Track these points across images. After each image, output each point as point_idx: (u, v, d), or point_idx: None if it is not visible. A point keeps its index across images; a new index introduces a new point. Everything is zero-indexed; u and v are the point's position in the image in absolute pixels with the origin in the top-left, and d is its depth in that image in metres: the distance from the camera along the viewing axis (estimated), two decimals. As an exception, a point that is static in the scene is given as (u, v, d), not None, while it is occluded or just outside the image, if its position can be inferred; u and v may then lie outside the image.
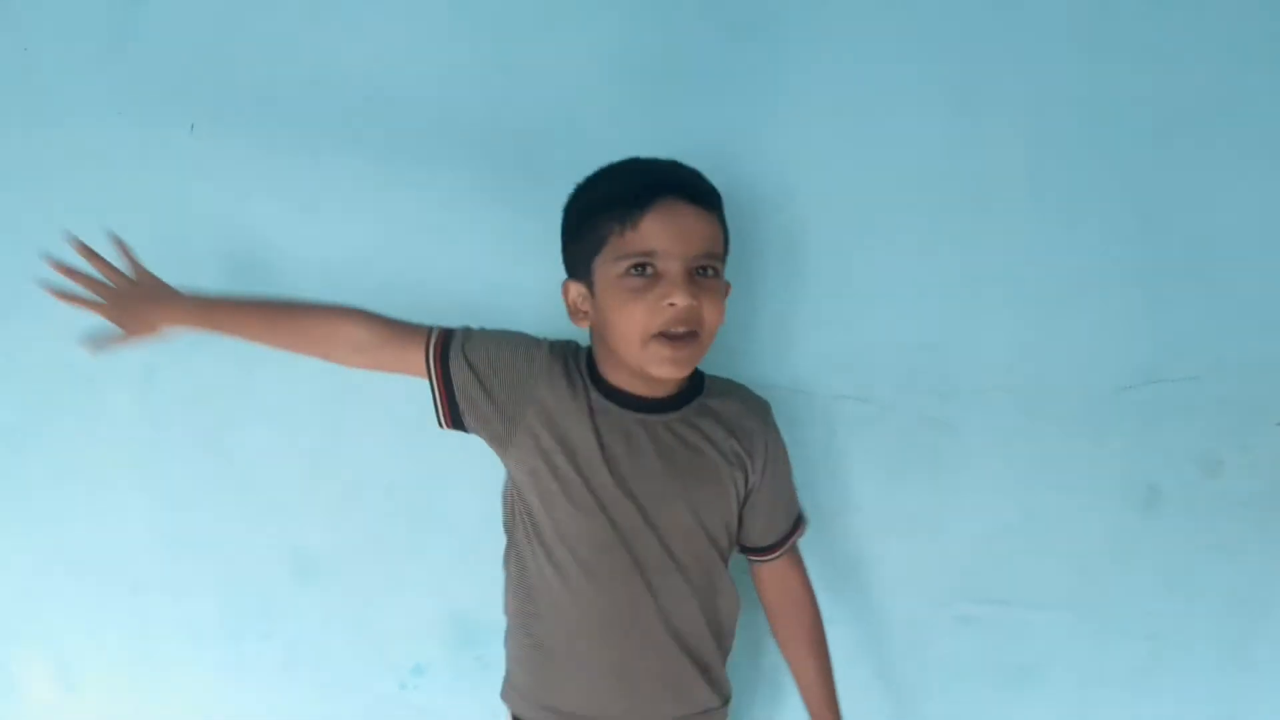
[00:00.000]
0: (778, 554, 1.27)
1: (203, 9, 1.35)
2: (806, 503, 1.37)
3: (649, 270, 1.08)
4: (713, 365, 1.32)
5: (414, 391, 1.39)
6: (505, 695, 1.27)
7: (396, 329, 1.18)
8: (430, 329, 1.18)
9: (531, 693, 1.22)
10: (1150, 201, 1.31)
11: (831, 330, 1.38)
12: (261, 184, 1.38)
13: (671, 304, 1.06)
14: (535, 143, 1.34)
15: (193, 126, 1.36)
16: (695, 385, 1.21)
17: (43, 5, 1.36)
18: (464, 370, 1.15)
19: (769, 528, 1.25)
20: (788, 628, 1.30)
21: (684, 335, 1.08)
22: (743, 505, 1.23)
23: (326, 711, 1.54)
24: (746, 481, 1.21)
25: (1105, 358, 1.37)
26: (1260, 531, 1.42)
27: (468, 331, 1.19)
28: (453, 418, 1.18)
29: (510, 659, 1.27)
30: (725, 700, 1.26)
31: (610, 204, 1.09)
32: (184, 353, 1.43)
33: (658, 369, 1.10)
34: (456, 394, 1.16)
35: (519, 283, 1.34)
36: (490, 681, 1.30)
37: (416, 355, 1.17)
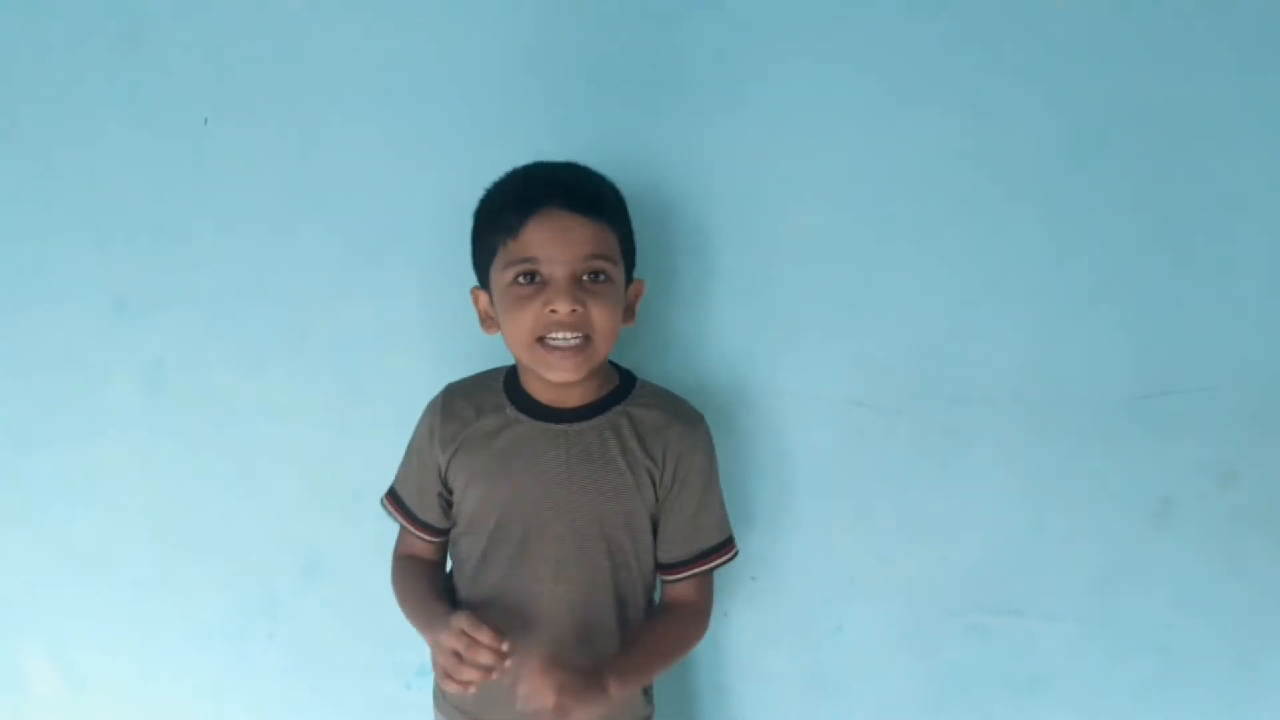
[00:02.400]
0: (674, 578, 1.22)
1: (215, 4, 1.35)
2: (818, 509, 1.37)
3: (536, 278, 1.09)
4: (720, 370, 1.31)
5: (421, 393, 1.40)
6: (434, 695, 1.30)
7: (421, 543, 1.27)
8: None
9: (447, 696, 1.24)
10: (1166, 210, 1.30)
11: (842, 336, 1.37)
12: (274, 180, 1.37)
13: (553, 310, 1.07)
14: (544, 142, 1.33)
15: (206, 121, 1.36)
16: (619, 391, 1.20)
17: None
18: (400, 491, 1.26)
19: (669, 544, 1.21)
20: (660, 610, 1.24)
21: (573, 342, 1.09)
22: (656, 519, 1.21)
23: (331, 711, 1.54)
24: (656, 495, 1.18)
25: (1118, 367, 1.35)
26: (1273, 545, 1.41)
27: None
28: (424, 525, 1.25)
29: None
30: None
31: (497, 213, 1.12)
32: (192, 350, 1.43)
33: (547, 373, 1.12)
34: (412, 509, 1.24)
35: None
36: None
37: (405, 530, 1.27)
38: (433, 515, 1.23)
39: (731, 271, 1.35)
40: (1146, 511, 1.40)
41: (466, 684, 1.03)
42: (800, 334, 1.37)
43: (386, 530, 1.45)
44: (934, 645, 1.46)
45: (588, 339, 1.10)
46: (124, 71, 1.36)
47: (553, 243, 1.08)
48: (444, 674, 1.04)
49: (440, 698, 1.28)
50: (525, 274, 1.09)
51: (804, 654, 1.48)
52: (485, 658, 1.02)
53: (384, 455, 1.42)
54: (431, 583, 1.23)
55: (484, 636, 1.02)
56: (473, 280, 1.35)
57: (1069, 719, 1.48)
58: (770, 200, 1.33)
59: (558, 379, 1.12)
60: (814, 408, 1.37)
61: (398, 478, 1.27)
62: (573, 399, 1.17)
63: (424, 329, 1.40)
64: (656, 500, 1.19)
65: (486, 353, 1.33)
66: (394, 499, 1.27)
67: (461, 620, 1.04)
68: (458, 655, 1.02)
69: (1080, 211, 1.31)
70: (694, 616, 1.23)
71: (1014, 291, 1.34)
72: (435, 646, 1.08)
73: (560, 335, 1.09)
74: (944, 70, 1.28)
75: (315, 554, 1.49)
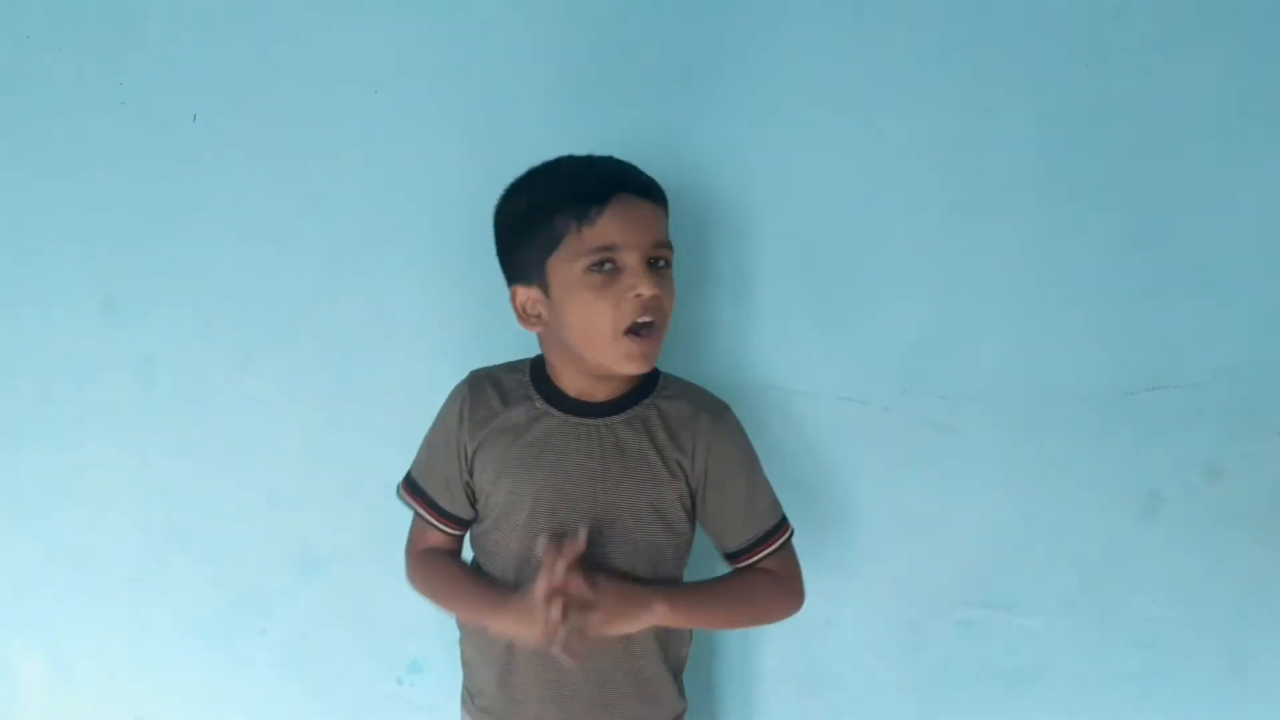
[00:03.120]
0: (749, 562, 1.22)
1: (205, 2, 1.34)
2: (808, 505, 1.37)
3: (608, 266, 1.08)
4: (712, 366, 1.31)
5: (413, 389, 1.40)
6: (462, 697, 1.29)
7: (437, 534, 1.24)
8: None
9: (475, 696, 1.24)
10: (1158, 206, 1.30)
11: (834, 331, 1.37)
12: (263, 177, 1.37)
13: (638, 294, 1.07)
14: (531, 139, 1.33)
15: (195, 117, 1.36)
16: (646, 384, 1.20)
17: (46, -4, 1.36)
18: (421, 481, 1.23)
19: (727, 533, 1.21)
20: (737, 571, 1.24)
21: (650, 328, 1.09)
22: (694, 510, 1.21)
23: (323, 707, 1.54)
24: (689, 486, 1.19)
25: (1108, 363, 1.36)
26: (1261, 540, 1.41)
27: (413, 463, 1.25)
28: (449, 516, 1.22)
29: (463, 662, 1.28)
30: (676, 717, 1.26)
31: (565, 202, 1.08)
32: (182, 348, 1.43)
33: (626, 366, 1.10)
34: (438, 500, 1.21)
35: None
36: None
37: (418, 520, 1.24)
38: (460, 507, 1.21)
39: (721, 268, 1.35)
40: (1135, 506, 1.40)
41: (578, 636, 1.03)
42: (790, 330, 1.37)
43: (379, 526, 1.45)
44: (924, 640, 1.46)
45: (658, 326, 1.10)
46: (112, 68, 1.36)
47: (630, 229, 1.07)
48: (554, 632, 1.02)
49: (469, 699, 1.26)
50: (600, 262, 1.07)
51: (794, 649, 1.48)
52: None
53: (376, 451, 1.43)
54: (470, 570, 1.22)
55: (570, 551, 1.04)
56: (462, 273, 1.35)
57: (1059, 713, 1.48)
58: (759, 197, 1.34)
59: (632, 370, 1.11)
60: (804, 403, 1.38)
61: (417, 469, 1.24)
62: (601, 393, 1.17)
63: (416, 324, 1.40)
64: (689, 491, 1.19)
65: (479, 347, 1.33)
66: (415, 491, 1.23)
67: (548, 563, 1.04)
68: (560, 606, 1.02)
69: (1069, 208, 1.31)
70: (774, 582, 1.22)
71: (1004, 288, 1.34)
72: (524, 615, 1.04)
73: (642, 319, 1.08)
74: (934, 69, 1.28)
75: (307, 550, 1.49)
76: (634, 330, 1.08)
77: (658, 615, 1.11)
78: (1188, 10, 1.25)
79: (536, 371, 1.20)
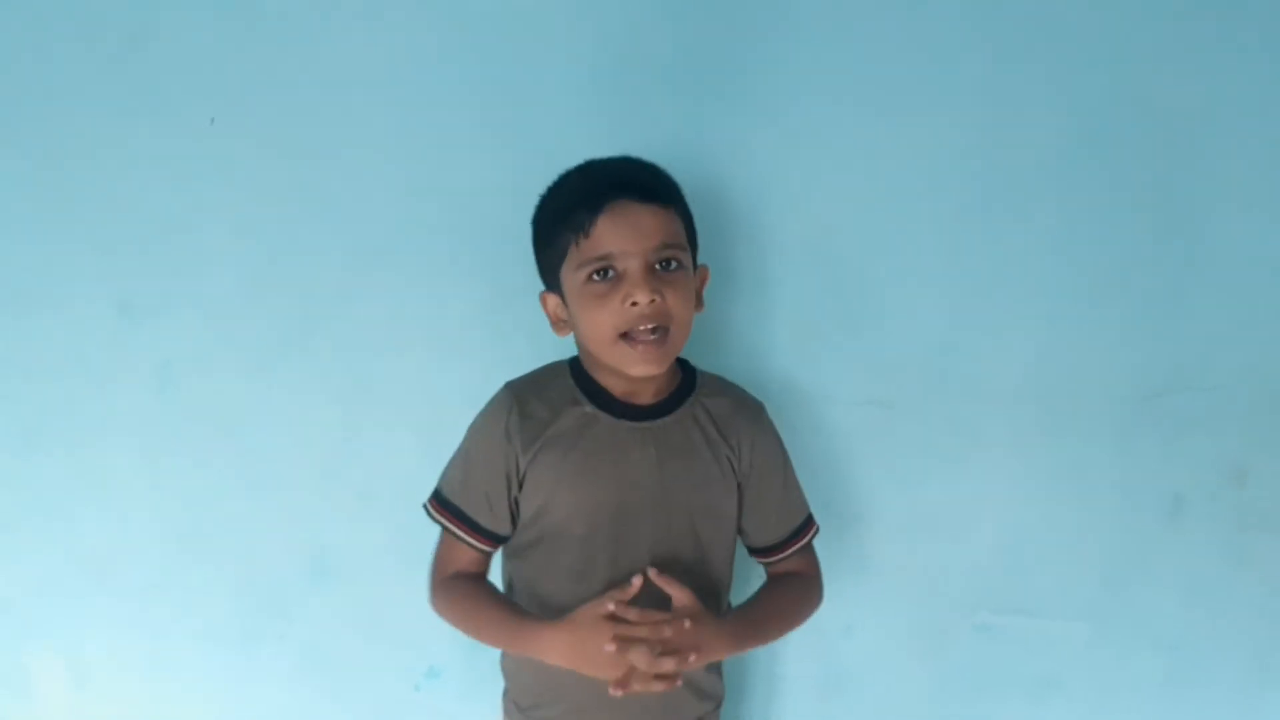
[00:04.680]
0: (778, 558, 1.25)
1: (221, 3, 1.34)
2: (828, 506, 1.36)
3: (610, 273, 1.08)
4: (733, 367, 1.31)
5: (431, 395, 1.40)
6: (504, 707, 1.28)
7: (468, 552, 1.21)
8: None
9: (523, 699, 1.23)
10: (1182, 206, 1.30)
11: (855, 333, 1.36)
12: (281, 180, 1.37)
13: (634, 303, 1.06)
14: (548, 140, 1.33)
15: (212, 120, 1.35)
16: (688, 384, 1.20)
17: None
18: (454, 498, 1.19)
19: (761, 529, 1.23)
20: (777, 579, 1.26)
21: (653, 334, 1.08)
22: (740, 506, 1.21)
23: (339, 713, 1.53)
24: (738, 481, 1.20)
25: (1131, 365, 1.35)
26: (1284, 543, 1.41)
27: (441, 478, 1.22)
28: (486, 533, 1.18)
29: (505, 673, 1.28)
30: (716, 704, 1.26)
31: (563, 214, 1.11)
32: (199, 352, 1.42)
33: (631, 368, 1.10)
34: (475, 518, 1.18)
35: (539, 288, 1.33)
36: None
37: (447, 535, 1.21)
38: (500, 524, 1.18)
39: (740, 269, 1.35)
40: (1159, 510, 1.40)
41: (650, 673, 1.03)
42: (813, 331, 1.37)
43: (397, 532, 1.45)
44: (944, 645, 1.46)
45: (665, 330, 1.09)
46: (129, 71, 1.35)
47: (625, 236, 1.07)
48: (619, 670, 1.03)
49: (516, 712, 1.24)
50: (599, 270, 1.08)
51: (814, 654, 1.48)
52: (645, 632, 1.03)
53: (393, 456, 1.43)
54: (504, 597, 1.20)
55: (634, 615, 1.04)
56: (481, 279, 1.35)
57: (1079, 718, 1.47)
58: (781, 197, 1.33)
59: (640, 373, 1.11)
60: (826, 405, 1.38)
61: (449, 485, 1.20)
62: (649, 393, 1.17)
63: (434, 330, 1.39)
64: (739, 486, 1.20)
65: (498, 353, 1.33)
66: (446, 508, 1.19)
67: (605, 609, 1.04)
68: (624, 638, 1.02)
69: (1093, 209, 1.31)
70: (807, 584, 1.25)
71: (1026, 289, 1.34)
72: (594, 661, 1.05)
73: (643, 327, 1.08)
74: (957, 68, 1.28)
75: (324, 556, 1.49)
76: (630, 336, 1.08)
77: (721, 651, 1.11)
78: (1212, 8, 1.25)
79: (579, 375, 1.18)
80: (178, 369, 1.43)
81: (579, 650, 1.06)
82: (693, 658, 1.05)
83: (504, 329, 1.37)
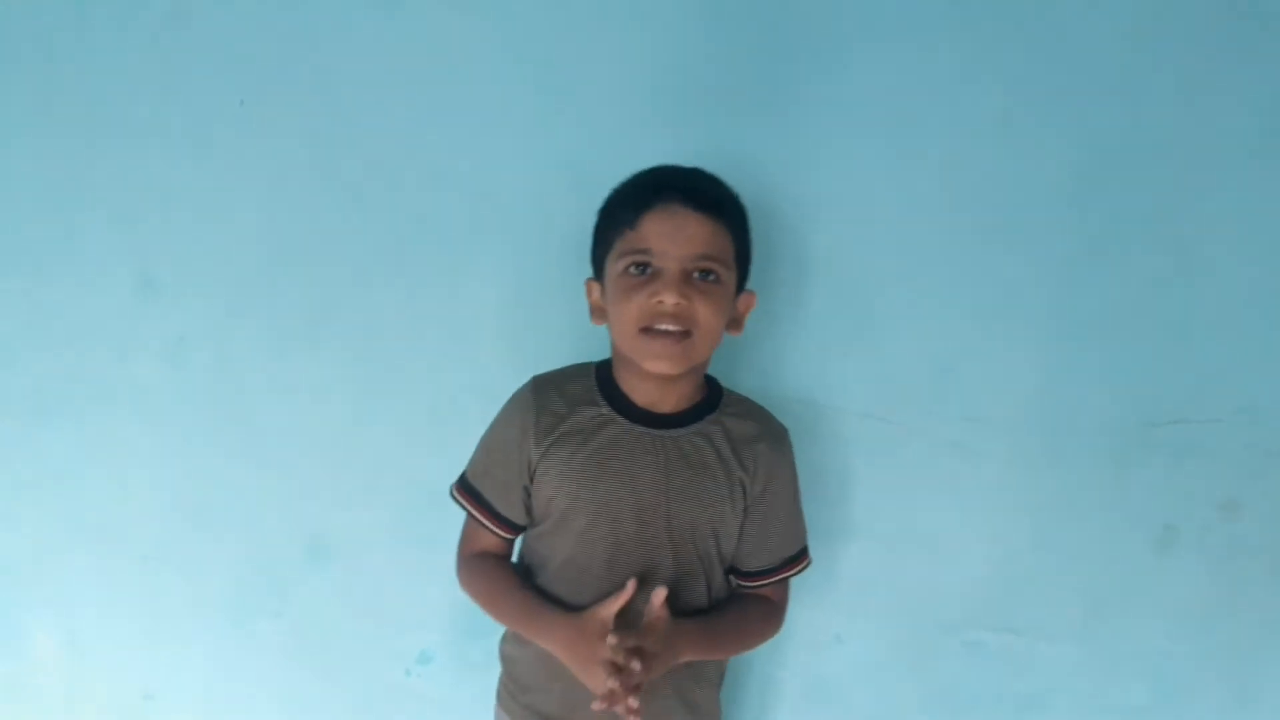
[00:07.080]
0: (757, 584, 1.24)
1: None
2: (826, 517, 1.38)
3: (647, 269, 1.10)
4: (742, 381, 1.32)
5: (442, 386, 1.41)
6: (498, 694, 1.29)
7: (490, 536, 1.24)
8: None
9: (519, 685, 1.24)
10: (1187, 240, 1.32)
11: (860, 351, 1.38)
12: (305, 165, 1.39)
13: (660, 301, 1.08)
14: (570, 141, 1.35)
15: (242, 102, 1.37)
16: (711, 400, 1.22)
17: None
18: (477, 484, 1.22)
19: (754, 554, 1.23)
20: (745, 599, 1.26)
21: (673, 333, 1.09)
22: (740, 528, 1.21)
23: (331, 694, 1.55)
24: (745, 504, 1.20)
25: (1131, 394, 1.37)
26: (1273, 578, 1.42)
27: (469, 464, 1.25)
28: (504, 520, 1.21)
29: (503, 658, 1.29)
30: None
31: (619, 206, 1.14)
32: (215, 329, 1.44)
33: (647, 363, 1.11)
34: (495, 505, 1.21)
35: (554, 284, 1.35)
36: (496, 673, 1.31)
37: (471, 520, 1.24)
38: (515, 512, 1.21)
39: (755, 285, 1.36)
40: (1149, 538, 1.41)
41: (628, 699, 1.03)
42: (818, 347, 1.38)
43: (397, 519, 1.47)
44: (932, 659, 1.47)
45: (688, 333, 1.10)
46: (163, 51, 1.37)
47: (668, 236, 1.09)
48: (609, 692, 1.03)
49: (509, 698, 1.27)
50: (637, 264, 1.10)
51: (802, 663, 1.49)
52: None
53: (399, 445, 1.44)
54: (521, 582, 1.21)
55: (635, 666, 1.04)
56: (497, 275, 1.37)
57: (1062, 741, 1.49)
58: (790, 216, 1.35)
59: (655, 369, 1.11)
60: (828, 419, 1.39)
61: (473, 471, 1.23)
62: (668, 402, 1.18)
63: (446, 322, 1.41)
64: (745, 510, 1.20)
65: (511, 348, 1.35)
66: (470, 494, 1.22)
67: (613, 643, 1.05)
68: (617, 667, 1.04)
69: (1099, 237, 1.32)
70: (773, 611, 1.26)
71: (1031, 314, 1.36)
72: (586, 669, 1.09)
73: (662, 325, 1.09)
74: (972, 100, 1.30)
75: (323, 539, 1.50)
76: (650, 330, 1.10)
77: (683, 656, 1.12)
78: (1221, 41, 1.27)
79: (603, 377, 1.20)
80: (192, 344, 1.45)
81: (575, 650, 1.10)
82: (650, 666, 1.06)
83: (517, 325, 1.39)
